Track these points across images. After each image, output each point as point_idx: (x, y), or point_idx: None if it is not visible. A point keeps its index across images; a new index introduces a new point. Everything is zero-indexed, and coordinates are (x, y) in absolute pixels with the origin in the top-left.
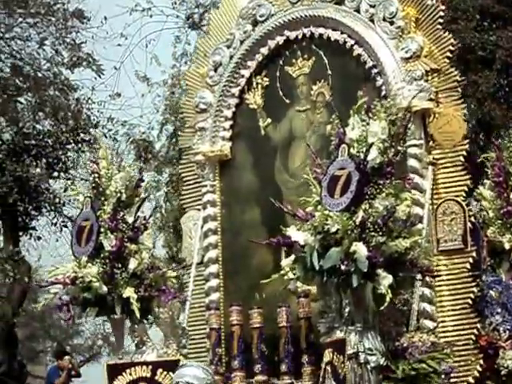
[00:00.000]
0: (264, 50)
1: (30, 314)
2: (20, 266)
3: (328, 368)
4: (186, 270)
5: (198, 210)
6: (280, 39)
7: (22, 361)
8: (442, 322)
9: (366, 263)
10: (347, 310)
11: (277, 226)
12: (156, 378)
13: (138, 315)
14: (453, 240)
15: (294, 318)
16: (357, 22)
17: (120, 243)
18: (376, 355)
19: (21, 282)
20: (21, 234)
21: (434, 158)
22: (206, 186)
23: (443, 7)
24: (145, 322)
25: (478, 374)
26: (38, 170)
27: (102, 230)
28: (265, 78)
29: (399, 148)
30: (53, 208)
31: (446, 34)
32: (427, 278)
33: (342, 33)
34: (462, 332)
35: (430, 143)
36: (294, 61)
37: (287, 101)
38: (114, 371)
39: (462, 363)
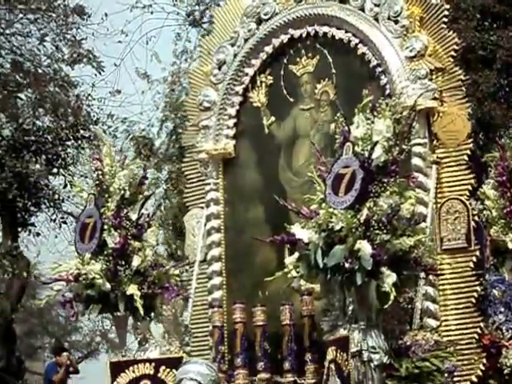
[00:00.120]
0: (268, 49)
1: (29, 310)
2: (19, 261)
3: (332, 366)
4: (188, 267)
5: (202, 208)
6: (284, 38)
7: (20, 357)
8: (445, 320)
9: (371, 261)
10: (351, 308)
11: (280, 224)
12: (159, 375)
13: (141, 312)
14: (456, 239)
15: (298, 316)
16: (361, 21)
17: (123, 240)
18: (379, 353)
19: (19, 277)
20: (20, 229)
21: (437, 157)
22: (209, 184)
23: (447, 6)
24: (147, 319)
25: (480, 373)
26: (38, 166)
27: (106, 227)
28: (269, 77)
29: (404, 146)
30: (52, 204)
31: (451, 33)
32: (431, 277)
33: (346, 31)
34: (465, 331)
35: (434, 142)
36: (298, 59)
37: (291, 99)
38: (117, 369)
39: (465, 362)
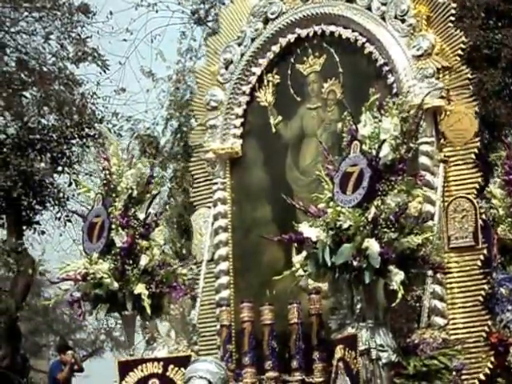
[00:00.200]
0: (275, 48)
1: (34, 308)
2: (23, 258)
3: (340, 364)
4: (196, 266)
5: (209, 207)
6: (291, 37)
7: (24, 355)
8: (453, 319)
9: (379, 259)
10: (359, 306)
11: (287, 223)
12: (167, 373)
13: (149, 312)
14: (464, 237)
15: (305, 315)
16: (368, 20)
17: (131, 240)
18: (387, 351)
19: (25, 274)
20: (25, 228)
21: (445, 156)
22: (216, 183)
23: (454, 5)
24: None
25: (488, 371)
26: (43, 164)
27: (114, 226)
28: (276, 76)
29: (411, 145)
30: (57, 202)
31: (458, 31)
32: (438, 275)
33: (353, 31)
34: (473, 329)
35: (442, 141)
36: (305, 58)
37: (298, 98)
38: (125, 368)
39: (473, 360)
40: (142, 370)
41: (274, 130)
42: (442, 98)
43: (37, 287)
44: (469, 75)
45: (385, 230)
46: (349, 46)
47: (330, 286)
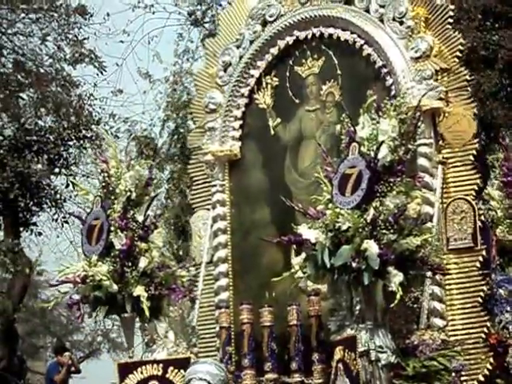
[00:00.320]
0: (273, 50)
1: (31, 309)
2: (20, 258)
3: (340, 365)
4: (194, 268)
5: (208, 209)
6: (290, 39)
7: (21, 356)
8: (452, 320)
9: (378, 261)
10: (358, 307)
11: (286, 225)
12: (167, 375)
13: (148, 314)
14: (462, 239)
15: (305, 316)
16: (366, 22)
17: (130, 242)
18: (387, 353)
19: (22, 274)
20: (22, 229)
21: (443, 157)
22: (215, 185)
23: (452, 7)
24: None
25: (487, 372)
26: (40, 166)
27: (112, 228)
28: (274, 78)
29: (409, 146)
30: (54, 204)
31: (456, 33)
32: (437, 277)
33: (351, 33)
34: (472, 330)
35: (440, 142)
36: (303, 61)
37: (297, 101)
38: (125, 370)
39: (472, 361)
40: (141, 372)
41: (272, 132)
42: (440, 99)
43: (34, 289)
44: (467, 77)
45: (384, 231)
46: (347, 48)
47: (329, 288)
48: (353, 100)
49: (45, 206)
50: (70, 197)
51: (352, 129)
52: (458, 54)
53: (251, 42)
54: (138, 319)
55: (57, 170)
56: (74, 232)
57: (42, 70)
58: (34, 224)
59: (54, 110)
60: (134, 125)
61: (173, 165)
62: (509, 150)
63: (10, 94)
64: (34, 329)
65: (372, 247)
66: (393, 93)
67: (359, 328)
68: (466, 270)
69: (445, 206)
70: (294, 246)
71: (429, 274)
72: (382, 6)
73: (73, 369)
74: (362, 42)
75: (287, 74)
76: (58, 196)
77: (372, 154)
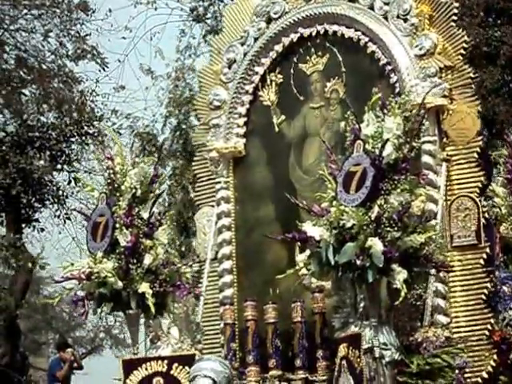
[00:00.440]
0: (278, 47)
1: (33, 305)
2: (22, 253)
3: (343, 362)
4: (199, 265)
5: (212, 206)
6: (294, 36)
7: (24, 352)
8: (456, 317)
9: (382, 258)
10: (362, 304)
11: (291, 222)
12: (172, 372)
13: (153, 310)
14: (466, 236)
15: (309, 313)
16: (371, 20)
17: (135, 239)
18: (391, 350)
19: (24, 270)
20: (24, 225)
21: (447, 155)
22: (219, 182)
23: (456, 4)
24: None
25: (491, 369)
26: (42, 162)
27: (118, 225)
28: (279, 75)
29: (414, 144)
30: (56, 200)
31: (460, 31)
32: (441, 274)
33: (356, 30)
34: (476, 327)
35: (444, 140)
36: (307, 58)
37: (301, 98)
38: (130, 366)
39: (476, 358)
40: (146, 369)
41: (277, 129)
42: (444, 97)
43: (36, 285)
44: (471, 74)
45: (388, 228)
46: (351, 46)
47: (334, 285)
48: (357, 97)
49: (47, 202)
50: (72, 193)
51: (357, 126)
52: (462, 51)
53: (256, 39)
54: (142, 316)
55: (59, 166)
56: (76, 228)
57: (44, 66)
58: (37, 220)
59: (56, 106)
60: (136, 121)
61: (175, 161)
62: None
63: (13, 90)
64: (36, 325)
65: (376, 244)
66: (397, 90)
67: (363, 325)
68: (470, 267)
69: (449, 203)
70: (299, 243)
71: (433, 271)
72: (387, 4)
73: (75, 365)
74: (367, 39)
75: (291, 71)
76: (61, 192)
77: (377, 151)
